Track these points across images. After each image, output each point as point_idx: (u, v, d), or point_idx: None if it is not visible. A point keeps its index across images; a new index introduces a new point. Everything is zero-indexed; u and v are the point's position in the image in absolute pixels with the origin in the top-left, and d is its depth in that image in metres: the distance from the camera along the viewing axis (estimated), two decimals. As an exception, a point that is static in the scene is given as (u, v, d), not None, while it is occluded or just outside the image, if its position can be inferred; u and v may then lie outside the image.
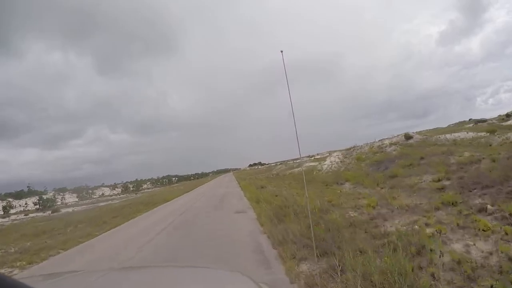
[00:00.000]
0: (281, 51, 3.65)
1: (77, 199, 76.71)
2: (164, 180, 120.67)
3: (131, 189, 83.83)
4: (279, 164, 48.29)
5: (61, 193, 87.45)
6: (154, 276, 1.52)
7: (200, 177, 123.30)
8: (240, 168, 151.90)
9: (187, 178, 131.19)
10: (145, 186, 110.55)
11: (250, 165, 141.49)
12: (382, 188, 9.24)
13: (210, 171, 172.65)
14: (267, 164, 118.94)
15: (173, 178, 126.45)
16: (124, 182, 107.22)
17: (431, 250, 3.64)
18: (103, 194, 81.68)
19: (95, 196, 77.51)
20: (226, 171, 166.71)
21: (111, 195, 74.95)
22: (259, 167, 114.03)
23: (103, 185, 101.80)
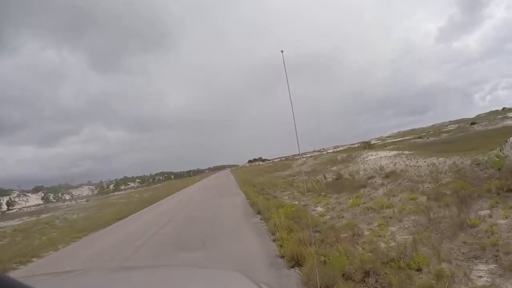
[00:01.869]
0: (281, 51, 3.52)
1: (41, 201, 65.40)
2: (156, 178, 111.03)
3: (105, 190, 70.34)
4: (301, 157, 33.47)
5: (30, 194, 75.70)
6: (154, 276, 1.45)
7: (195, 174, 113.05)
8: (238, 165, 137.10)
9: (180, 175, 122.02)
10: (132, 184, 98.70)
11: (250, 161, 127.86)
12: None
13: (206, 168, 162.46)
14: (269, 160, 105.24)
15: (161, 177, 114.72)
16: (110, 180, 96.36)
17: None
18: (72, 196, 68.56)
19: (65, 198, 65.65)
20: (222, 168, 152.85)
21: (83, 197, 63.00)
22: (260, 163, 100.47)
23: (89, 183, 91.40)
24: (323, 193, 8.74)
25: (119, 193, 53.86)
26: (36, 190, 78.95)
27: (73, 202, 42.36)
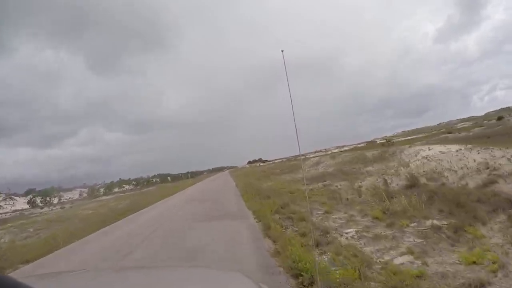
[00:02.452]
0: (282, 51, 3.45)
1: (28, 205, 61.54)
2: (152, 180, 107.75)
3: (95, 193, 66.44)
4: (314, 156, 28.76)
5: (18, 198, 71.91)
6: (154, 276, 1.43)
7: (193, 176, 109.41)
8: (237, 166, 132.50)
9: (177, 177, 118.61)
10: (127, 187, 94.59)
11: (249, 162, 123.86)
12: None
13: (205, 169, 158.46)
14: (270, 161, 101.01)
15: (157, 179, 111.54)
16: (105, 182, 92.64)
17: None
18: (60, 200, 64.31)
19: (52, 202, 61.61)
20: (221, 169, 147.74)
21: (69, 201, 58.85)
22: (261, 164, 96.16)
23: (83, 186, 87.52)
24: (434, 221, 4.05)
25: (106, 197, 49.37)
26: (27, 193, 75.36)
27: (51, 208, 37.76)
